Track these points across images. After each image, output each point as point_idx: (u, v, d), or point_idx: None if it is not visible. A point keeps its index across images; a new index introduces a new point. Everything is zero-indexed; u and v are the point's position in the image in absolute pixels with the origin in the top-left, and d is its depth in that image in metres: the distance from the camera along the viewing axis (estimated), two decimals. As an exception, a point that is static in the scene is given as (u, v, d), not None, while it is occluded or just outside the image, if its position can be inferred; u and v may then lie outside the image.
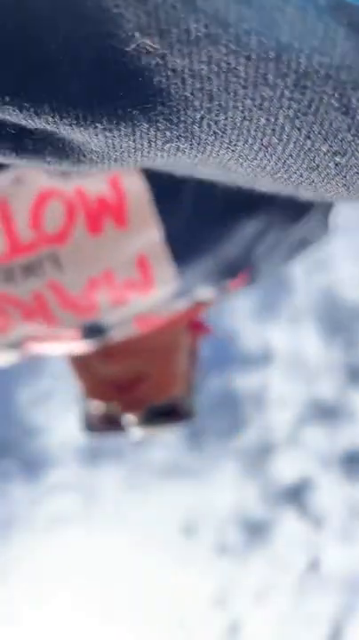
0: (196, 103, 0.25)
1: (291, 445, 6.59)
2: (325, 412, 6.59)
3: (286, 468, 6.54)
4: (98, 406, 0.96)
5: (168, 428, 1.06)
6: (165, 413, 1.00)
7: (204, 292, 0.83)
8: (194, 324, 1.02)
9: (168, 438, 6.65)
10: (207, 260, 0.79)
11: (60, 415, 6.94)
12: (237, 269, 0.83)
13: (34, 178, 0.68)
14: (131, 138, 0.27)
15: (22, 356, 0.85)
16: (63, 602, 6.49)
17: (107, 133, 0.26)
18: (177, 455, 6.65)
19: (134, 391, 0.93)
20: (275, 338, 6.76)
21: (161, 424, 1.02)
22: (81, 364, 0.94)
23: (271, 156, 0.28)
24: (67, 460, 6.76)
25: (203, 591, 6.47)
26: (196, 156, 0.29)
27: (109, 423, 0.98)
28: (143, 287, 0.75)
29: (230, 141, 0.27)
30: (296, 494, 6.50)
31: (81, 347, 0.86)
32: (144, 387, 0.94)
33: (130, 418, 0.96)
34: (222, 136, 0.27)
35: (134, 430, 1.00)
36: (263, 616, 6.36)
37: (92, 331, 0.79)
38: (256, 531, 6.51)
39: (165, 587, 6.51)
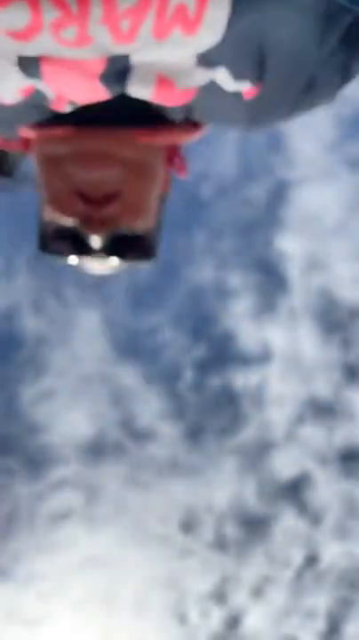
0: None
1: (289, 443, 6.62)
2: (322, 410, 6.62)
3: (284, 465, 6.58)
4: (60, 220, 0.90)
5: (129, 260, 0.95)
6: (130, 243, 0.92)
7: (224, 80, 0.77)
8: (174, 155, 0.97)
9: (167, 436, 6.69)
10: (252, 41, 0.75)
11: (63, 413, 6.98)
12: (262, 70, 0.79)
13: None
14: None
15: (35, 84, 0.76)
16: (66, 596, 6.55)
17: None
18: (177, 452, 6.69)
19: (104, 208, 0.87)
20: (273, 337, 6.80)
21: (123, 253, 0.93)
22: (57, 167, 0.87)
23: None
24: (69, 457, 6.81)
25: (202, 585, 6.52)
26: None
27: (67, 241, 0.91)
28: (190, 24, 0.71)
29: None
30: (294, 491, 6.54)
31: (95, 91, 0.78)
32: (115, 205, 0.87)
33: (93, 239, 0.89)
34: None
35: (92, 257, 0.93)
36: (261, 610, 6.43)
37: (116, 69, 0.74)
38: (254, 526, 6.54)
39: (166, 581, 6.56)
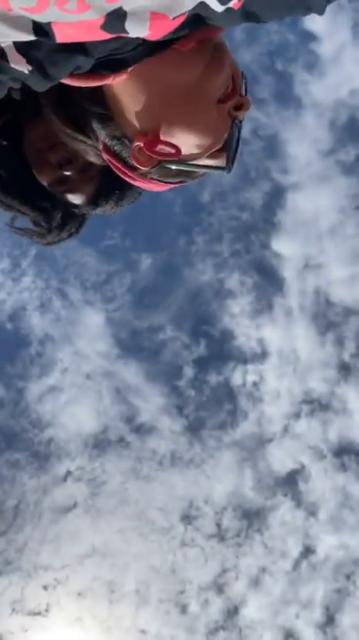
0: None
1: (285, 437, 6.65)
2: (318, 406, 6.67)
3: (281, 459, 6.57)
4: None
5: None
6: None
7: (212, 3, 0.82)
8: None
9: (168, 430, 6.73)
10: None
11: (68, 409, 7.01)
12: None
13: None
14: None
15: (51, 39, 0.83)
16: (70, 587, 6.57)
17: None
18: (178, 446, 6.72)
19: (237, 91, 0.96)
20: (269, 336, 6.84)
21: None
22: (195, 95, 0.94)
23: None
24: (74, 451, 6.84)
25: (202, 576, 6.53)
26: None
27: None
28: None
29: None
30: (290, 484, 6.56)
31: (98, 36, 0.83)
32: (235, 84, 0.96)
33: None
34: None
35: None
36: (259, 600, 6.44)
37: (114, 18, 0.80)
38: (252, 518, 6.56)
39: (167, 571, 6.58)
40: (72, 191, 1.25)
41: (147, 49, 0.89)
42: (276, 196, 6.67)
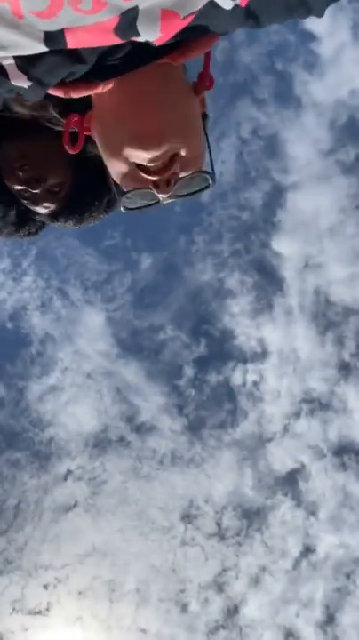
0: None
1: (285, 437, 6.63)
2: (317, 405, 6.65)
3: (281, 458, 6.56)
4: (134, 191, 0.98)
5: (195, 196, 1.03)
6: (195, 184, 1.00)
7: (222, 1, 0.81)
8: (204, 77, 1.00)
9: (168, 430, 6.73)
10: None
11: (68, 408, 7.00)
12: None
13: None
14: None
15: (64, 45, 0.82)
16: (70, 586, 6.55)
17: None
18: (178, 446, 6.70)
19: (167, 172, 0.93)
20: (269, 336, 6.82)
21: (191, 193, 1.02)
22: (117, 153, 0.94)
23: None
24: (74, 450, 6.82)
25: (203, 575, 6.51)
26: None
27: (144, 202, 1.00)
28: None
29: None
30: (290, 483, 6.53)
31: (109, 41, 0.83)
32: (175, 166, 0.94)
33: (162, 197, 0.97)
34: None
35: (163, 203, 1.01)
36: (260, 599, 6.42)
37: (127, 20, 0.79)
38: (252, 517, 6.53)
39: (167, 570, 6.56)
40: (34, 204, 1.30)
41: (139, 57, 0.89)
42: (276, 196, 6.66)
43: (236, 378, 6.67)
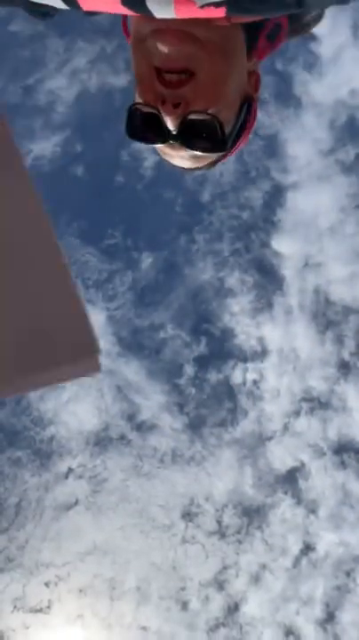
0: None
1: (285, 435, 6.62)
2: (317, 404, 6.64)
3: (281, 457, 6.56)
4: (143, 104, 0.90)
5: (200, 148, 0.92)
6: (202, 129, 0.90)
7: None
8: (260, 45, 0.95)
9: (169, 428, 6.72)
10: None
11: (69, 407, 7.00)
12: None
13: None
14: None
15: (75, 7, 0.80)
16: (71, 584, 6.55)
17: None
18: (178, 444, 6.69)
19: (178, 88, 0.86)
20: (269, 334, 6.82)
21: (195, 139, 0.91)
22: (141, 46, 0.88)
23: None
24: (75, 448, 6.82)
25: (203, 572, 6.51)
26: None
27: (149, 127, 0.91)
28: None
29: None
30: (290, 481, 6.53)
31: (123, 10, 0.80)
32: (188, 86, 0.86)
33: (168, 120, 0.88)
34: None
35: (169, 143, 0.92)
36: (260, 597, 6.41)
37: None
38: (253, 515, 6.52)
39: (168, 568, 6.56)
40: None
41: None
42: (276, 196, 6.66)
43: (236, 376, 6.67)
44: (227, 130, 0.93)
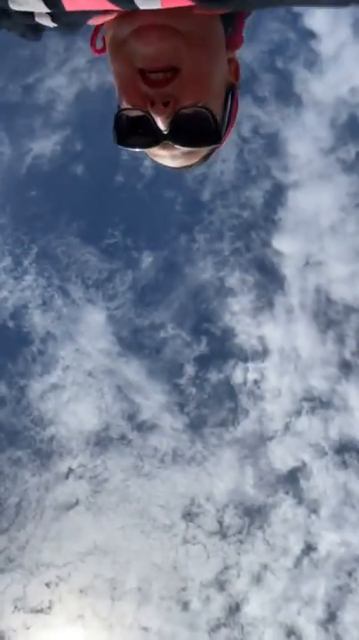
0: None
1: (286, 435, 6.60)
2: (318, 404, 6.62)
3: (282, 457, 6.54)
4: (130, 108, 0.88)
5: (195, 144, 0.91)
6: (194, 124, 0.88)
7: None
8: (235, 35, 0.93)
9: (170, 428, 6.70)
10: None
11: (70, 407, 6.98)
12: None
13: None
14: None
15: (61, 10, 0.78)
16: (72, 584, 6.53)
17: None
18: (179, 444, 6.68)
19: (164, 87, 0.84)
20: (270, 334, 6.79)
21: (188, 136, 0.89)
22: (121, 49, 0.86)
23: None
24: (75, 448, 6.80)
25: (204, 573, 6.49)
26: None
27: (139, 131, 0.89)
28: None
29: None
30: (291, 481, 6.50)
31: (106, 5, 0.78)
32: (174, 83, 0.84)
33: (158, 121, 0.86)
34: None
35: (161, 144, 0.90)
36: (261, 597, 6.39)
37: None
38: (254, 515, 6.50)
39: (169, 569, 6.53)
40: None
41: None
42: (277, 194, 6.64)
43: (237, 376, 6.65)
44: (219, 120, 0.92)
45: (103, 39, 0.94)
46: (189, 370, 6.69)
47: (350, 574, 6.19)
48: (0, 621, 6.40)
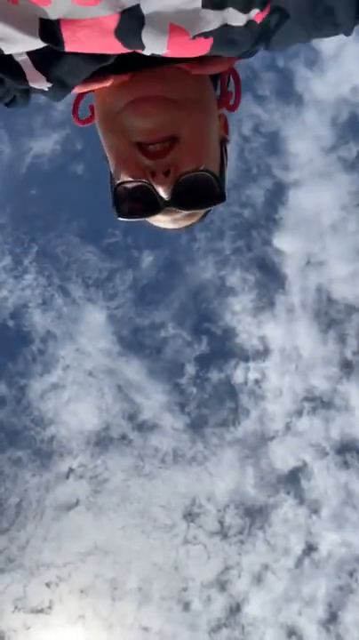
0: None
1: (287, 435, 6.60)
2: (319, 403, 6.61)
3: (283, 456, 6.54)
4: (129, 180, 0.87)
5: (200, 206, 0.92)
6: (198, 189, 0.88)
7: (234, 17, 0.75)
8: (224, 93, 0.94)
9: (170, 428, 6.69)
10: None
11: (70, 406, 6.97)
12: None
13: None
14: None
15: (58, 42, 0.75)
16: (72, 584, 6.53)
17: None
18: (180, 444, 6.67)
19: (164, 157, 0.84)
20: (271, 333, 6.79)
21: (194, 200, 0.89)
22: (114, 123, 0.85)
23: None
24: (76, 448, 6.80)
25: (205, 573, 6.49)
26: None
27: (140, 201, 0.89)
28: None
29: None
30: (292, 481, 6.49)
31: (112, 48, 0.76)
32: (174, 151, 0.85)
33: (161, 191, 0.86)
34: None
35: (166, 211, 0.90)
36: (262, 597, 6.39)
37: (129, 21, 0.73)
38: (255, 515, 6.50)
39: (170, 569, 6.53)
40: None
41: (155, 58, 0.82)
42: (278, 193, 6.63)
43: (238, 376, 6.65)
44: (220, 179, 0.92)
45: (91, 108, 0.93)
46: (190, 369, 6.69)
47: (351, 574, 6.19)
48: (0, 621, 6.39)
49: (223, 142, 0.96)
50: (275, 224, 6.66)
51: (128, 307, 6.79)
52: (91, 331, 6.81)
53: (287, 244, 6.65)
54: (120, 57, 0.80)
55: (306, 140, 6.50)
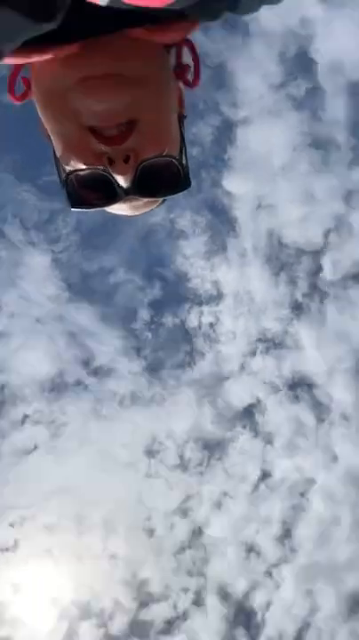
0: None
1: (242, 374, 6.86)
2: (272, 344, 6.85)
3: (238, 394, 6.83)
4: (81, 167, 0.78)
5: (164, 194, 0.84)
6: (160, 175, 0.81)
7: None
8: (180, 66, 0.85)
9: (127, 372, 6.76)
10: None
11: (20, 354, 6.86)
12: None
13: None
14: None
15: None
16: (38, 522, 6.72)
17: None
18: (138, 387, 6.78)
19: (123, 143, 0.75)
20: (224, 277, 6.85)
21: (156, 187, 0.81)
22: (63, 104, 0.75)
23: None
24: (29, 395, 6.77)
25: (168, 503, 6.83)
26: None
27: (96, 190, 0.80)
28: None
29: None
30: (248, 416, 6.85)
31: None
32: (133, 137, 0.76)
33: (121, 179, 0.78)
34: None
35: (126, 199, 0.82)
36: (222, 520, 6.85)
37: None
38: (213, 449, 6.84)
39: (133, 502, 6.84)
40: None
41: (105, 22, 0.73)
42: (226, 132, 6.44)
43: (192, 320, 6.72)
44: (184, 163, 0.86)
45: (25, 82, 0.82)
46: (144, 314, 6.70)
47: (302, 495, 6.72)
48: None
49: (181, 119, 0.87)
50: (224, 164, 6.54)
51: (73, 250, 6.60)
52: (36, 276, 6.61)
53: (237, 186, 6.58)
54: (65, 21, 0.70)
55: (253, 75, 6.27)
